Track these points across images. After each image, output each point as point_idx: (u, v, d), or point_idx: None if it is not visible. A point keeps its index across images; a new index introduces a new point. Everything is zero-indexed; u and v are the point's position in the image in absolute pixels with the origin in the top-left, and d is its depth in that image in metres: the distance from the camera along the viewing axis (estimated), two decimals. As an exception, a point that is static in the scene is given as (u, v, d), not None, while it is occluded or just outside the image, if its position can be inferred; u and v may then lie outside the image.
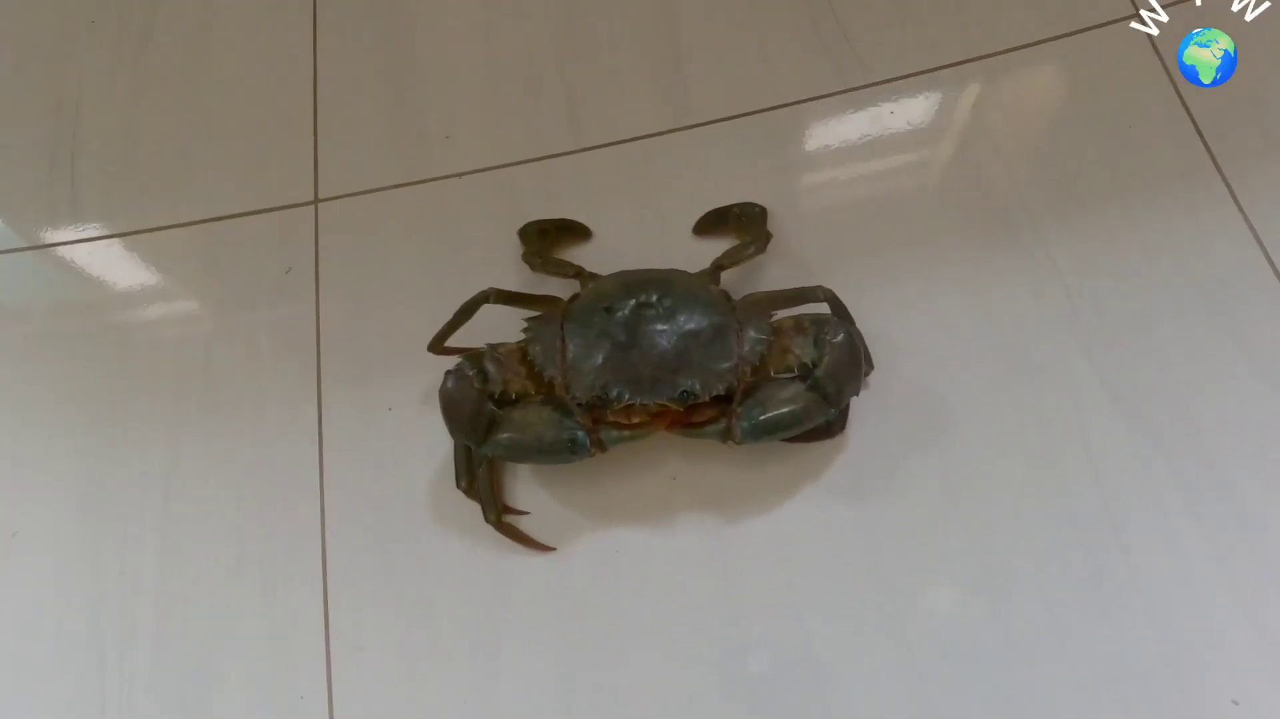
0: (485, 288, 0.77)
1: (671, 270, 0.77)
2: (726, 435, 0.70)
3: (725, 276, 0.78)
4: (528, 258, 0.82)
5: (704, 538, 0.74)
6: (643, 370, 0.70)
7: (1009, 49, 0.89)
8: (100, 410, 0.84)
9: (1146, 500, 0.71)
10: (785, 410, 0.69)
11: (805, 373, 0.71)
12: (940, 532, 0.72)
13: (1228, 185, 0.80)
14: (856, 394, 0.72)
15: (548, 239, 0.85)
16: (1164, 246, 0.79)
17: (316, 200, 0.91)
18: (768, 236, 0.80)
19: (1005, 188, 0.83)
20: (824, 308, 0.75)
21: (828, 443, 0.74)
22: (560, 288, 0.80)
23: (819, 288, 0.75)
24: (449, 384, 0.71)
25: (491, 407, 0.71)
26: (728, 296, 0.75)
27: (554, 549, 0.74)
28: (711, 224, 0.85)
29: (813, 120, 0.90)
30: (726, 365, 0.70)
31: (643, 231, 0.86)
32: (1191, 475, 0.71)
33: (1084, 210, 0.82)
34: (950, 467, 0.74)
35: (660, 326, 0.71)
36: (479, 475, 0.74)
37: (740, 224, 0.83)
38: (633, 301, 0.73)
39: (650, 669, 0.70)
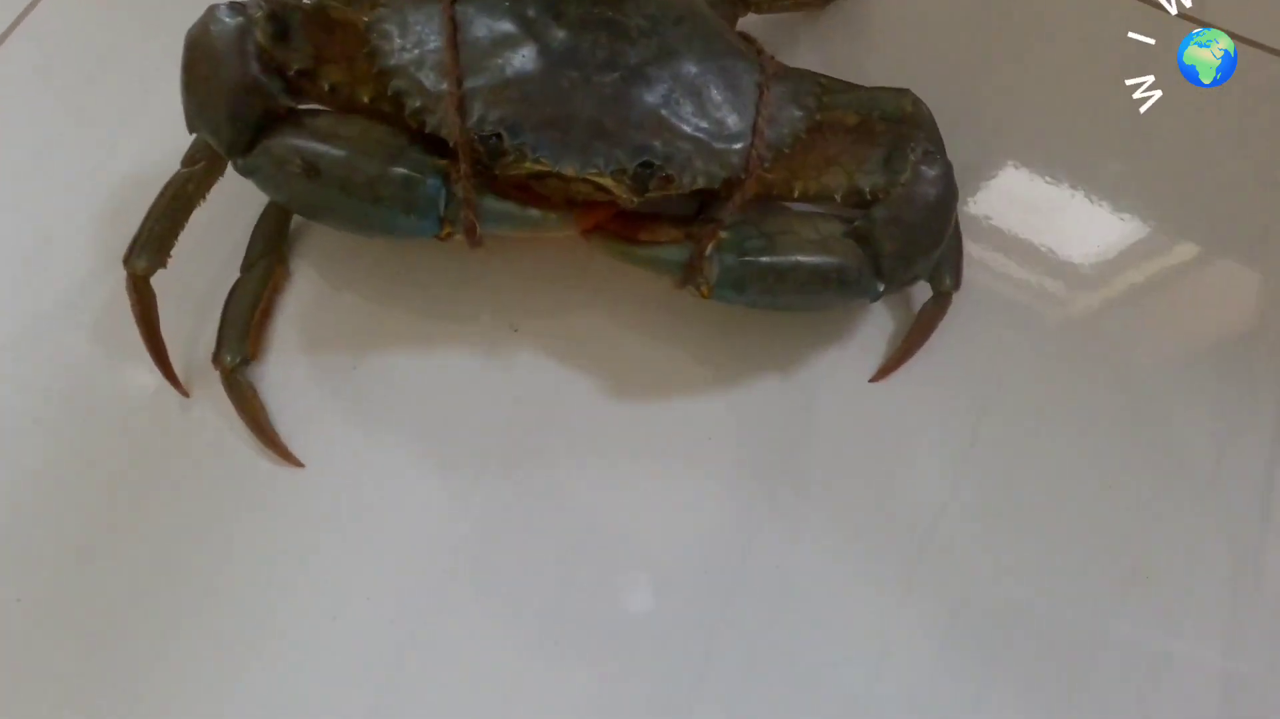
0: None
1: None
2: (689, 275, 0.39)
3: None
4: None
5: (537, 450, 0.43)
6: (580, 110, 0.37)
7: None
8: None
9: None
10: (803, 260, 0.39)
11: (853, 205, 0.40)
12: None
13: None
14: (925, 277, 0.42)
15: None
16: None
17: None
18: None
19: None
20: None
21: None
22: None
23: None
24: (213, 24, 0.37)
25: (278, 85, 0.37)
26: (751, 40, 0.43)
27: (303, 466, 0.42)
28: None
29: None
30: (731, 135, 0.38)
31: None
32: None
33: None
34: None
35: (627, 46, 0.39)
36: (243, 285, 0.42)
37: None
38: None
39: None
